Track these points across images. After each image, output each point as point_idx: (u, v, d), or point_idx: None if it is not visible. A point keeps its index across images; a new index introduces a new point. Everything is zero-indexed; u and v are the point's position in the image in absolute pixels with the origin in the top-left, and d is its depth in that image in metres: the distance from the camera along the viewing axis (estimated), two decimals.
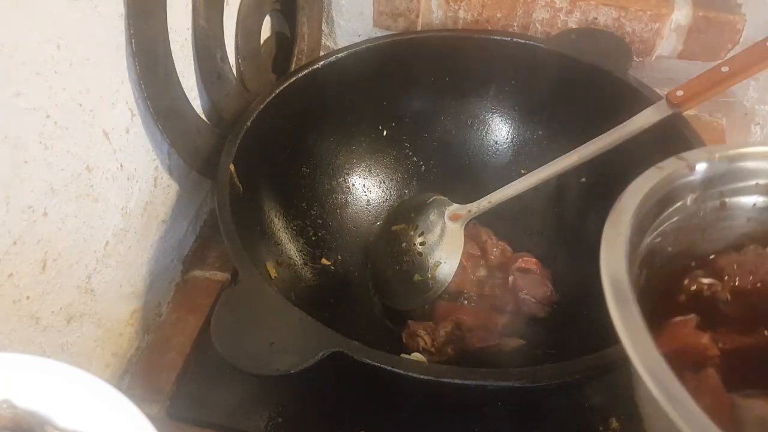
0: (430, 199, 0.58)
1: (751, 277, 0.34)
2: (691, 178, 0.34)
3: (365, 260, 0.60)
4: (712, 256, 0.36)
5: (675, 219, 0.34)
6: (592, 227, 0.57)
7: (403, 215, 0.59)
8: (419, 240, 0.56)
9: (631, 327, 0.25)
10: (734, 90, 0.68)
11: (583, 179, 0.58)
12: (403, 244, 0.56)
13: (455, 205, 0.57)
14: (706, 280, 0.35)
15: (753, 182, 0.35)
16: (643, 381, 0.23)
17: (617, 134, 0.50)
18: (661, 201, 0.33)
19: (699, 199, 0.34)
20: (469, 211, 0.55)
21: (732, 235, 0.36)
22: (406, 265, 0.56)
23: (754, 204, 0.35)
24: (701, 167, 0.34)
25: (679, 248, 0.35)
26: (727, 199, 0.35)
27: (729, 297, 0.34)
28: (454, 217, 0.56)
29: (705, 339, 0.31)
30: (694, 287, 0.35)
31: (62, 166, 0.40)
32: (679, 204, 0.34)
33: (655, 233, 0.33)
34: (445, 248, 0.55)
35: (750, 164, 0.34)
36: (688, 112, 0.50)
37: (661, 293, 0.34)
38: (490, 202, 0.54)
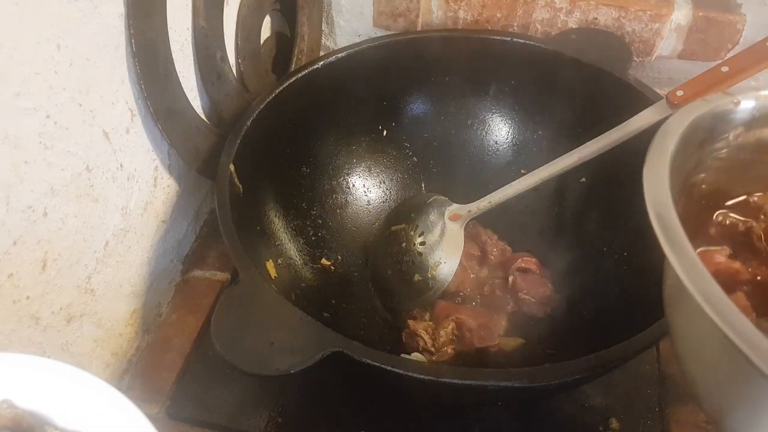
0: (430, 199, 0.58)
1: None
2: (737, 114, 0.33)
3: (365, 260, 0.60)
4: (751, 195, 0.36)
5: (717, 153, 0.34)
6: (592, 227, 0.57)
7: (403, 215, 0.59)
8: (419, 240, 0.56)
9: (677, 244, 0.25)
10: (734, 90, 0.68)
11: (583, 179, 0.58)
12: (403, 244, 0.56)
13: (455, 205, 0.57)
14: (741, 217, 0.35)
15: None
16: (690, 294, 0.23)
17: (617, 134, 0.50)
18: (705, 132, 0.33)
19: (742, 136, 0.34)
20: (469, 211, 0.56)
21: None
22: (405, 265, 0.56)
23: None
24: (747, 104, 0.33)
25: (718, 183, 0.35)
26: None
27: (763, 235, 0.34)
28: (454, 217, 0.56)
29: (737, 265, 0.31)
30: (728, 222, 0.34)
31: (62, 166, 0.40)
32: (722, 139, 0.34)
33: (697, 164, 0.33)
34: (445, 248, 0.55)
35: None
36: None
37: (697, 224, 0.34)
38: (490, 202, 0.54)
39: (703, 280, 0.24)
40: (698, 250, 0.32)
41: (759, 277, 0.32)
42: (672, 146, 0.30)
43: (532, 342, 0.52)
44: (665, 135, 0.30)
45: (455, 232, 0.55)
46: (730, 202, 0.36)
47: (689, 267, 0.24)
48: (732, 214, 0.35)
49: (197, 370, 0.52)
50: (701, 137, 0.33)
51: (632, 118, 0.50)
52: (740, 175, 0.35)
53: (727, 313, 0.23)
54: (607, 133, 0.50)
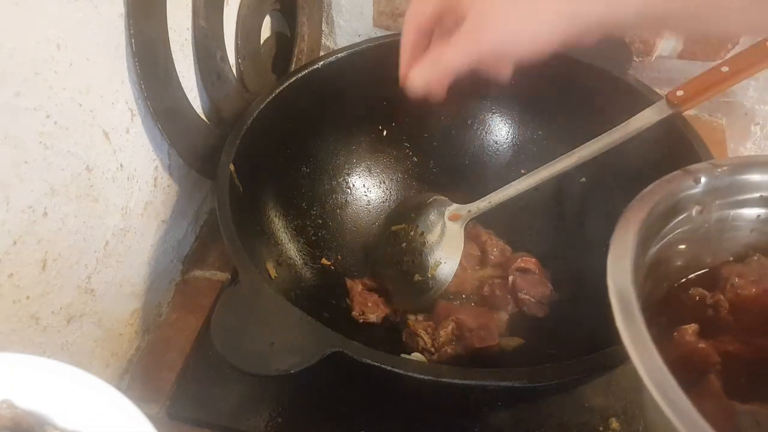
0: (430, 199, 0.58)
1: (754, 289, 0.35)
2: (696, 190, 0.34)
3: (365, 260, 0.60)
4: (717, 268, 0.36)
5: (680, 230, 0.35)
6: (592, 227, 0.57)
7: (404, 215, 0.59)
8: (419, 240, 0.56)
9: (637, 338, 0.26)
10: (734, 90, 0.68)
11: (583, 179, 0.58)
12: (404, 244, 0.56)
13: (455, 205, 0.57)
14: (707, 292, 0.35)
15: (757, 195, 0.35)
16: (648, 390, 0.23)
17: (617, 134, 0.50)
18: (666, 212, 0.33)
19: (704, 211, 0.35)
20: (469, 211, 0.56)
21: (736, 246, 0.37)
22: (406, 265, 0.56)
23: (758, 216, 0.36)
24: (706, 180, 0.34)
25: (683, 259, 0.36)
26: (731, 212, 0.35)
27: (728, 306, 0.34)
28: (454, 217, 0.56)
29: (706, 346, 0.32)
30: (697, 297, 0.35)
31: (62, 166, 0.40)
32: (684, 215, 0.35)
33: (661, 244, 0.34)
34: (445, 248, 0.55)
35: (754, 177, 0.35)
36: (688, 112, 0.50)
37: (665, 302, 0.34)
38: (490, 202, 0.54)
39: (661, 376, 0.25)
40: (673, 329, 0.33)
41: (731, 349, 0.32)
42: (634, 235, 0.31)
43: (532, 342, 0.52)
44: (627, 224, 0.31)
45: (455, 232, 0.55)
46: (693, 276, 0.37)
47: (647, 361, 0.26)
48: (701, 289, 0.36)
49: (197, 370, 0.52)
50: (664, 218, 0.34)
51: (632, 118, 0.50)
52: (706, 248, 0.36)
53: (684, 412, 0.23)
54: (607, 133, 0.50)
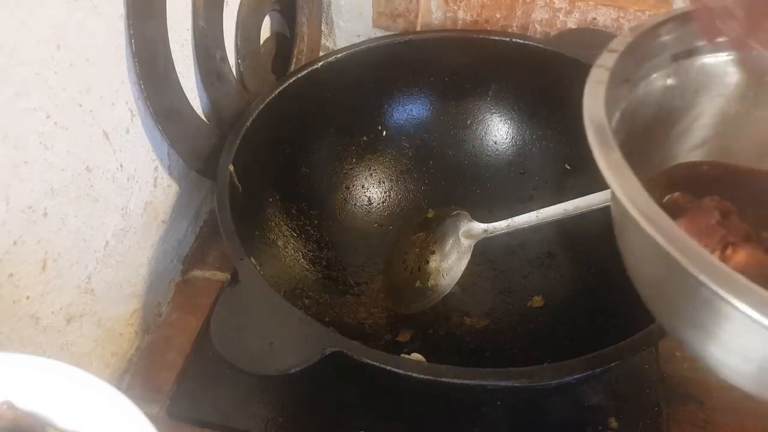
0: (454, 212, 0.57)
1: None
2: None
3: (365, 260, 0.60)
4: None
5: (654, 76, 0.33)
6: (592, 227, 0.57)
7: (428, 225, 0.58)
8: (431, 249, 0.56)
9: (614, 164, 0.25)
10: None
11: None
12: (417, 250, 0.56)
13: (473, 224, 0.55)
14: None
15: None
16: (623, 206, 0.23)
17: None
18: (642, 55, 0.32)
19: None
20: (485, 230, 0.54)
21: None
22: (413, 271, 0.56)
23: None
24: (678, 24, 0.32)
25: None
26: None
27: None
28: (468, 235, 0.55)
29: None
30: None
31: (62, 166, 0.40)
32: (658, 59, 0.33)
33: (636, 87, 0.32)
34: (451, 262, 0.55)
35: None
36: None
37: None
38: (509, 225, 0.52)
39: (635, 191, 0.24)
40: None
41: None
42: (606, 71, 0.30)
43: (532, 342, 0.52)
44: (603, 59, 0.31)
45: (464, 249, 0.55)
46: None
47: (622, 181, 0.24)
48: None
49: (197, 370, 0.52)
50: (637, 61, 0.32)
51: None
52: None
53: (657, 221, 0.22)
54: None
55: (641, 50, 0.32)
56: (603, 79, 0.30)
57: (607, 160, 0.25)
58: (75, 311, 0.44)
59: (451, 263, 0.55)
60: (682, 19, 0.33)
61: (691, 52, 0.33)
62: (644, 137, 0.33)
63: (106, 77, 0.43)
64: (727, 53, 0.33)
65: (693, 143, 0.35)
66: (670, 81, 0.34)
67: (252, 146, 0.51)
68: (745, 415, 0.48)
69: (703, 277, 0.21)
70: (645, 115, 0.33)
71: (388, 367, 0.37)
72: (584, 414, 0.49)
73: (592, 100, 0.29)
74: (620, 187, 0.24)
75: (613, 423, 0.48)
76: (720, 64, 0.34)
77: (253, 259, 0.43)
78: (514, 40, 0.59)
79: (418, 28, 0.67)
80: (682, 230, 0.22)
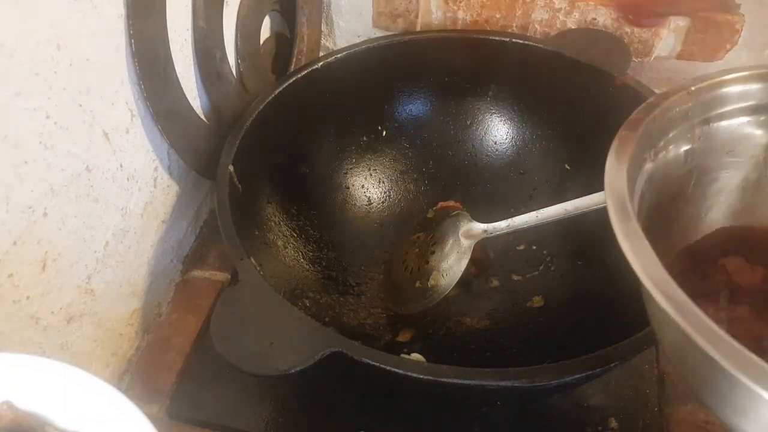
0: (455, 213, 0.57)
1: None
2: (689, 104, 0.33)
3: (365, 260, 0.60)
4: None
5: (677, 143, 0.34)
6: (592, 227, 0.57)
7: (429, 225, 0.58)
8: (431, 249, 0.56)
9: (632, 237, 0.25)
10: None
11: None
12: (417, 250, 0.56)
13: (472, 224, 0.55)
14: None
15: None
16: (645, 286, 0.23)
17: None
18: (664, 124, 0.32)
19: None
20: (485, 231, 0.54)
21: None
22: (413, 271, 0.56)
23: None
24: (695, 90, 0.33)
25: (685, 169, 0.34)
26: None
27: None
28: (468, 235, 0.55)
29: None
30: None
31: (62, 166, 0.40)
32: (680, 128, 0.33)
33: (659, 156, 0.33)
34: (450, 262, 0.55)
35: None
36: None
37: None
38: (508, 225, 0.52)
39: (660, 277, 0.24)
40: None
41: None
42: (633, 142, 0.30)
43: (532, 342, 0.52)
44: (627, 132, 0.31)
45: (464, 249, 0.55)
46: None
47: (647, 264, 0.24)
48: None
49: (197, 370, 0.52)
50: (661, 129, 0.32)
51: None
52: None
53: (688, 313, 0.22)
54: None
55: (666, 117, 0.32)
56: (627, 149, 0.30)
57: (624, 228, 0.26)
58: (75, 311, 0.44)
59: (451, 263, 0.55)
60: (711, 86, 0.33)
61: (715, 118, 0.34)
62: (669, 205, 0.34)
63: (105, 77, 0.43)
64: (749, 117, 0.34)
65: (722, 209, 0.36)
66: (694, 145, 0.34)
67: (252, 146, 0.51)
68: None
69: (725, 365, 0.21)
70: (671, 183, 0.34)
71: (388, 367, 0.37)
72: (584, 414, 0.49)
73: (615, 170, 0.29)
74: (636, 259, 0.24)
75: (613, 423, 0.48)
76: (744, 125, 0.34)
77: (253, 259, 0.43)
78: (513, 40, 0.59)
79: (418, 28, 0.67)
80: (695, 308, 0.22)
